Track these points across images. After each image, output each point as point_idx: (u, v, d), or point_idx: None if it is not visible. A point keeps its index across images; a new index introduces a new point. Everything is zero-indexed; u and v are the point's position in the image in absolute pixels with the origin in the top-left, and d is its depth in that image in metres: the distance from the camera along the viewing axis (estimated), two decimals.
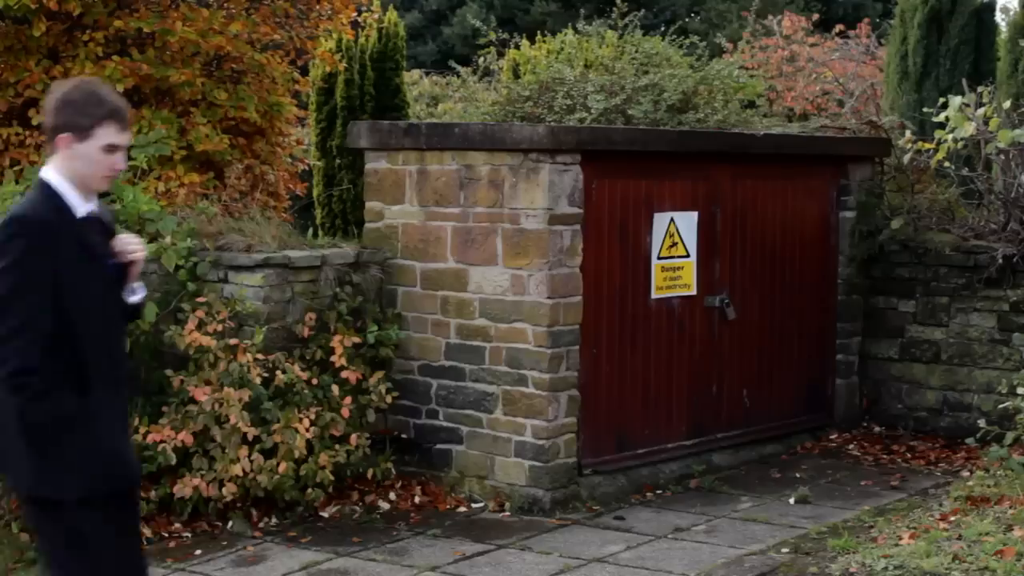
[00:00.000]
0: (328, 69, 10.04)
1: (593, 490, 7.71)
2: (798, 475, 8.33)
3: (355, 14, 10.30)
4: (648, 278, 8.03)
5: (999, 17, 15.51)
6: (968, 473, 7.95)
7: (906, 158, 8.97)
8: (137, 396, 7.02)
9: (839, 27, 15.60)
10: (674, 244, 8.14)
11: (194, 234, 7.51)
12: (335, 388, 7.47)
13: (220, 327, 7.17)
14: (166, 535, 7.01)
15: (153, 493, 7.07)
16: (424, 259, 7.95)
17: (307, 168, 10.95)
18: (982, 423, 7.70)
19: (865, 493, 7.87)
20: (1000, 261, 8.78)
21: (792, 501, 7.67)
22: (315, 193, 12.58)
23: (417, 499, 7.71)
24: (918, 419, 9.30)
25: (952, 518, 6.66)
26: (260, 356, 7.22)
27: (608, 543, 6.89)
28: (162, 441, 6.91)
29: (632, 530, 7.16)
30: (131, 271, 4.26)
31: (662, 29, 11.00)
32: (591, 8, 17.69)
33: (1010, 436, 7.35)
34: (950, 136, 8.02)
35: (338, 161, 9.71)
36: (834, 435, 9.28)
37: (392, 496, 7.70)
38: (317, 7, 9.90)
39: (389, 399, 7.76)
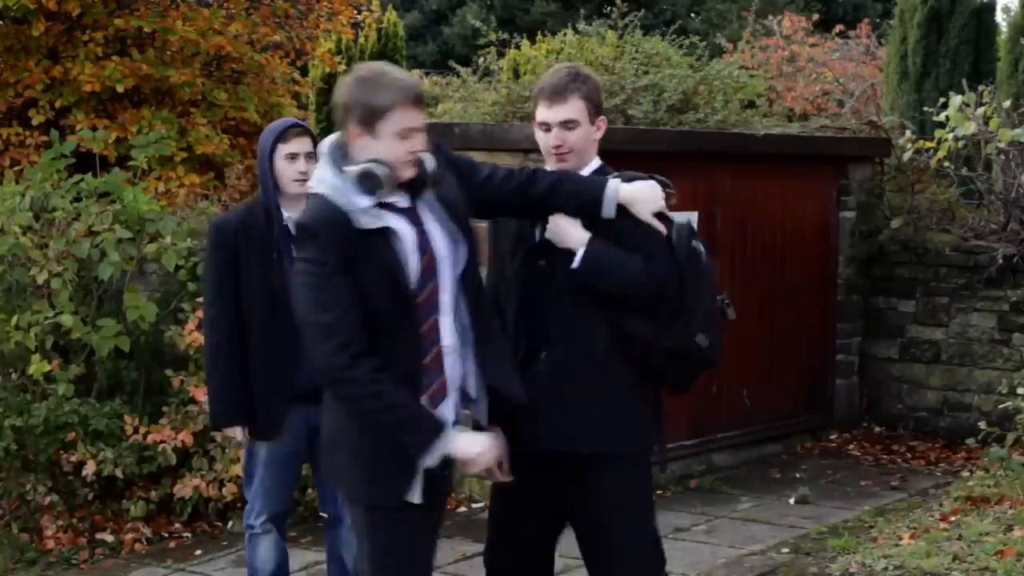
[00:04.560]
0: (327, 70, 10.06)
1: None
2: (798, 475, 8.33)
3: (355, 13, 10.31)
4: None
5: (999, 17, 15.55)
6: (968, 473, 7.93)
7: (905, 156, 8.97)
8: None
9: (839, 27, 15.61)
10: None
11: (194, 234, 7.50)
12: None
13: None
14: (166, 535, 7.01)
15: (153, 493, 7.08)
16: None
17: None
18: (982, 423, 7.68)
19: (865, 493, 7.87)
20: (1000, 261, 8.77)
21: (792, 501, 7.66)
22: None
23: None
24: (918, 419, 9.29)
25: (952, 518, 6.66)
26: None
27: None
28: (162, 441, 6.91)
29: None
30: None
31: (662, 29, 10.99)
32: (591, 8, 17.72)
33: (1010, 437, 7.34)
34: (950, 136, 8.02)
35: None
36: (834, 435, 9.27)
37: None
38: (316, 8, 9.91)
39: None
